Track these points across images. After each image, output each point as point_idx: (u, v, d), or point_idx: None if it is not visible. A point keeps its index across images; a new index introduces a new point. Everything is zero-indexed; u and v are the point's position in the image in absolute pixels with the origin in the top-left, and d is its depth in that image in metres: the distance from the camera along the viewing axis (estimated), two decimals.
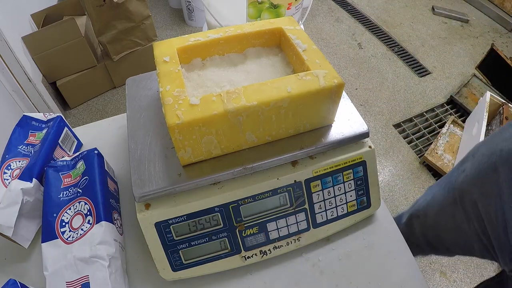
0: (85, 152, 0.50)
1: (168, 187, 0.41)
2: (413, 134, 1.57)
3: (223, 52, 0.50)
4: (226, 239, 0.44)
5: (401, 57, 1.94)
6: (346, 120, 0.47)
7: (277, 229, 0.46)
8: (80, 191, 0.46)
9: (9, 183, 0.47)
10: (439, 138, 1.47)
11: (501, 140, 0.52)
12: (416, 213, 0.76)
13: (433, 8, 2.29)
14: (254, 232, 0.45)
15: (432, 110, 1.67)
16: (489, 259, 0.58)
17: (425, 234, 0.74)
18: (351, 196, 0.48)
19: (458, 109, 1.67)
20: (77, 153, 0.50)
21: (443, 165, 1.38)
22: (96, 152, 0.49)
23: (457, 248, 0.65)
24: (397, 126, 1.60)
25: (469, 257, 1.17)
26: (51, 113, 0.57)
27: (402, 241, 0.50)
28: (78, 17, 1.54)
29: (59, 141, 0.54)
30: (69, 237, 0.43)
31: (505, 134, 0.52)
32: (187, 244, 0.43)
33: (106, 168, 0.50)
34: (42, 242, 0.42)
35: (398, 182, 1.39)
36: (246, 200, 0.44)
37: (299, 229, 0.47)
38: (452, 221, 0.62)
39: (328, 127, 0.46)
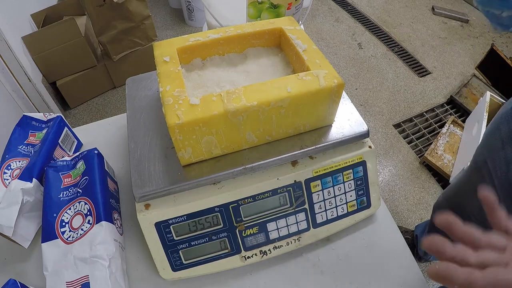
0: (85, 152, 0.50)
1: (168, 187, 0.41)
2: (413, 134, 1.57)
3: (223, 52, 0.50)
4: (226, 239, 0.44)
5: (401, 57, 1.94)
6: (346, 120, 0.47)
7: (277, 229, 0.46)
8: (80, 191, 0.46)
9: (9, 183, 0.47)
10: (439, 138, 1.47)
11: (503, 107, 0.62)
12: (445, 191, 0.88)
13: (433, 8, 2.29)
14: (254, 232, 0.45)
15: (432, 110, 1.67)
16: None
17: (451, 203, 0.83)
18: (351, 196, 0.48)
19: (458, 109, 1.67)
20: (77, 153, 0.50)
21: (443, 165, 1.38)
22: (96, 152, 0.49)
23: (475, 212, 0.72)
24: (397, 126, 1.60)
25: None
26: (51, 113, 0.57)
27: (402, 241, 0.50)
28: (78, 17, 1.54)
29: (59, 141, 0.54)
30: (69, 237, 0.43)
31: (508, 104, 0.62)
32: (187, 244, 0.43)
33: (106, 168, 0.50)
34: (42, 242, 0.42)
35: (398, 182, 1.39)
36: (246, 200, 0.44)
37: (299, 229, 0.47)
38: (470, 184, 0.71)
39: (328, 127, 0.46)
